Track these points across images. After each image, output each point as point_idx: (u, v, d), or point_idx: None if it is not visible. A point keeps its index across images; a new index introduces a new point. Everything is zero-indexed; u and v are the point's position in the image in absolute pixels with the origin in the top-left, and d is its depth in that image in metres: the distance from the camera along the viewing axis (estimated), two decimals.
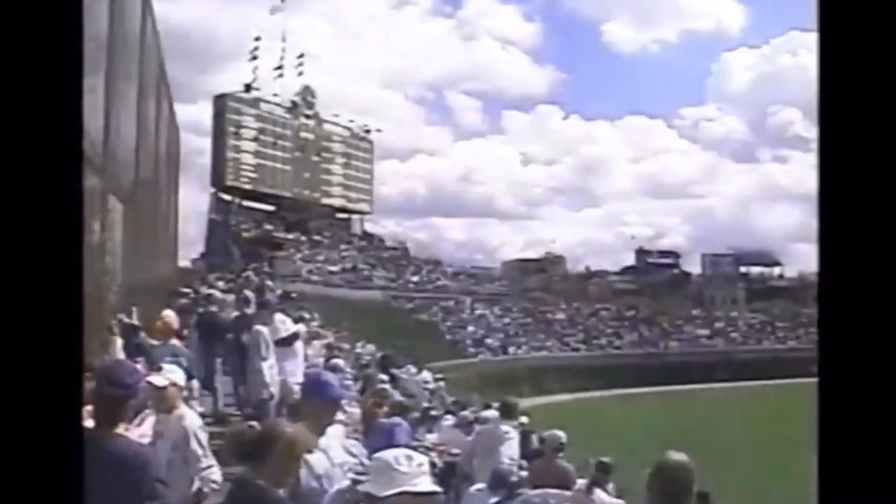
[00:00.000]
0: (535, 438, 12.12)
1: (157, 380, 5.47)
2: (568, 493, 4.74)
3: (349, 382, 10.35)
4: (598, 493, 7.37)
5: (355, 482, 3.39)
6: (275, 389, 9.56)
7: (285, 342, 10.11)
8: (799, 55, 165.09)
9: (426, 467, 3.05)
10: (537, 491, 3.21)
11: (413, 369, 18.80)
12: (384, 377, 13.87)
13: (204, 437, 5.66)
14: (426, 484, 2.99)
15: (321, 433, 4.58)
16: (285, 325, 10.40)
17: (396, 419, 8.08)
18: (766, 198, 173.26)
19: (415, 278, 71.75)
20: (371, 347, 23.65)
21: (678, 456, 3.52)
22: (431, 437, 10.81)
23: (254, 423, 3.56)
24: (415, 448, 4.25)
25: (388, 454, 3.08)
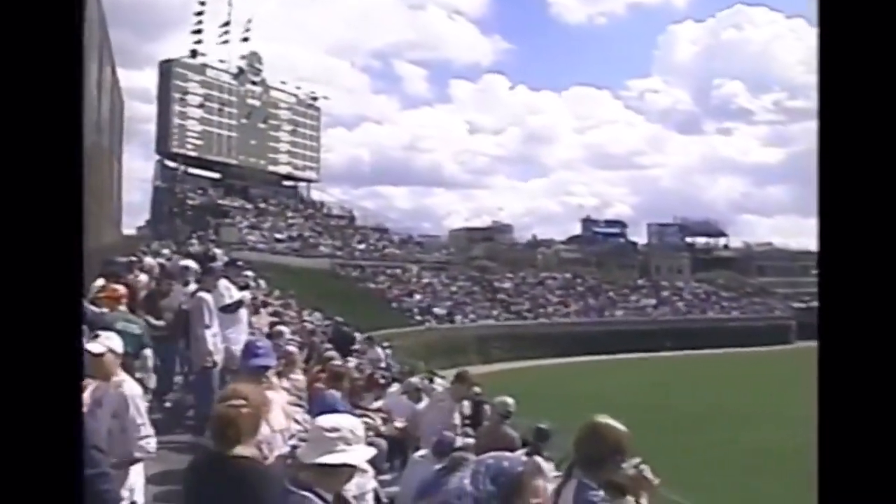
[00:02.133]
0: (483, 406, 12.22)
1: (93, 347, 5.39)
2: (522, 456, 4.76)
3: (293, 349, 10.24)
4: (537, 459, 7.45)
5: (295, 448, 3.37)
6: (218, 357, 9.47)
7: (229, 309, 10.00)
8: (744, 29, 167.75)
9: (361, 432, 3.04)
10: (492, 453, 3.23)
11: (360, 336, 18.77)
12: (329, 345, 13.85)
13: (143, 405, 5.61)
14: (362, 451, 2.97)
15: None
16: (230, 291, 10.27)
17: (329, 391, 8.12)
18: (711, 169, 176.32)
19: (361, 246, 71.44)
20: (318, 315, 23.57)
21: (603, 419, 3.58)
22: (378, 405, 10.83)
23: (236, 402, 3.41)
24: (359, 416, 4.25)
25: (323, 421, 3.06)
